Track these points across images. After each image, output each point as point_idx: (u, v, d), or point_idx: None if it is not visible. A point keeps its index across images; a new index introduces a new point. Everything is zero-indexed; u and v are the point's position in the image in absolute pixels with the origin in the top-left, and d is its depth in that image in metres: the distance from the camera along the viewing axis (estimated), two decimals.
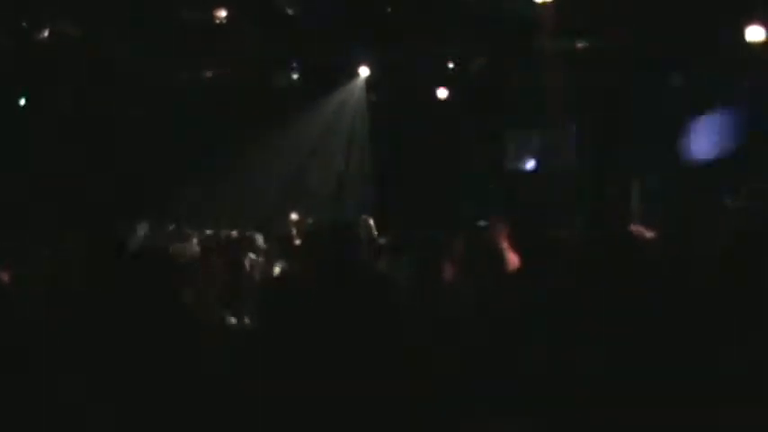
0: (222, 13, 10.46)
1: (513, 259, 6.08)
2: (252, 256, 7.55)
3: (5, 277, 5.75)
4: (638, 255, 3.68)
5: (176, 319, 3.48)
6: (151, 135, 13.42)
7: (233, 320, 5.85)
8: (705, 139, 11.09)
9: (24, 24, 10.70)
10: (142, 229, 10.00)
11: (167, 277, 3.46)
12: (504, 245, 6.21)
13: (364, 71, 12.44)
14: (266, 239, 8.37)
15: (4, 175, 12.57)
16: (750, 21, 9.39)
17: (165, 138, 13.44)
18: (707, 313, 3.19)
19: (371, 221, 9.67)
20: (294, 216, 10.73)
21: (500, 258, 4.56)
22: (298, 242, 8.55)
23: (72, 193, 12.77)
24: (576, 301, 3.44)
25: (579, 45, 10.91)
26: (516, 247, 4.79)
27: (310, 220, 9.99)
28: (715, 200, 9.90)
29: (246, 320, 5.69)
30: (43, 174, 13.17)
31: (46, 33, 10.78)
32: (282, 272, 7.31)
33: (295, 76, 12.42)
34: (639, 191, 12.02)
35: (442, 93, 12.63)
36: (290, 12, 10.21)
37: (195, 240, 9.89)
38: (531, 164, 13.32)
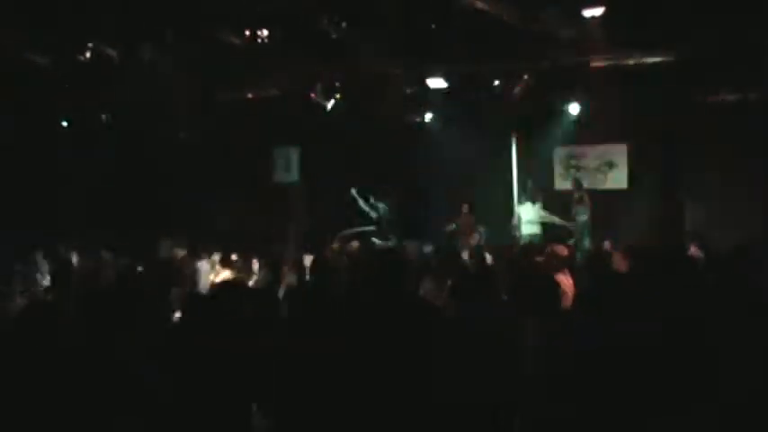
0: (265, 32, 10.28)
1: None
2: None
3: None
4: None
5: None
6: (187, 153, 13.38)
7: None
8: None
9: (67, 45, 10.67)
10: (166, 248, 9.82)
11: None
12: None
13: None
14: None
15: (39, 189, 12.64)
16: None
17: (198, 156, 13.39)
18: None
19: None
20: None
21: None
22: None
23: (107, 208, 12.81)
24: None
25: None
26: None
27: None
28: None
29: None
30: (78, 190, 13.22)
31: (88, 54, 10.72)
32: None
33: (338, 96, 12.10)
34: (692, 213, 11.64)
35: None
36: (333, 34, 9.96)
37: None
38: None
